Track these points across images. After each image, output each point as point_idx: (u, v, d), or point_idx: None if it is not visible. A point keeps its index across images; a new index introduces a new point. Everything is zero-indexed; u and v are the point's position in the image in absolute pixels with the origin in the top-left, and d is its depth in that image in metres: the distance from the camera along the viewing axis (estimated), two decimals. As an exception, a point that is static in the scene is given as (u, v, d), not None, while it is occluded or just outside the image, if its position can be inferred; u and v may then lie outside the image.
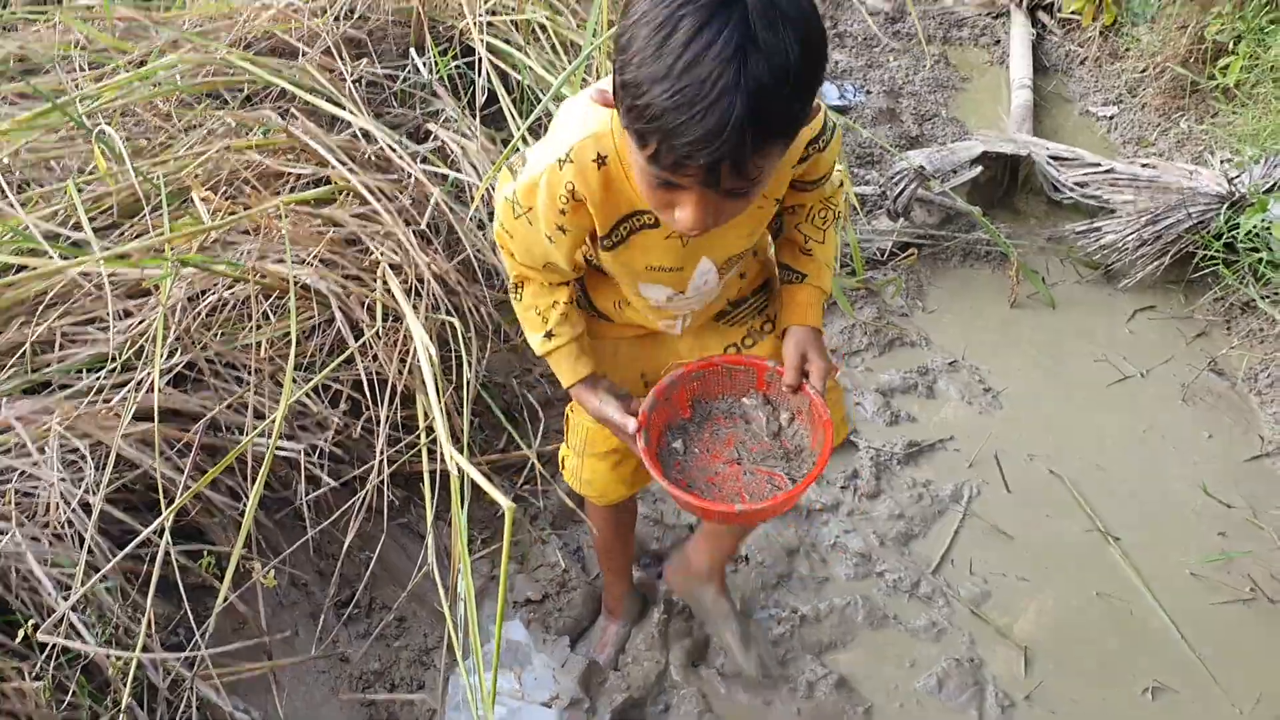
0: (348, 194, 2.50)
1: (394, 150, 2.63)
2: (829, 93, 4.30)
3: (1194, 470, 2.76)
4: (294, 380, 2.07)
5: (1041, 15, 4.85)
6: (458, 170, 2.83)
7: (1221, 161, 3.57)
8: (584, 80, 2.86)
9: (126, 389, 2.02)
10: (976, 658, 2.31)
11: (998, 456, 2.77)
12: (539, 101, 3.16)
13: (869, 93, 4.35)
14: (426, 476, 2.06)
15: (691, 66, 1.06)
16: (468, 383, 2.18)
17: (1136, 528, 2.60)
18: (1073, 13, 4.49)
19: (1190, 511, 2.65)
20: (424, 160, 2.79)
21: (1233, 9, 3.90)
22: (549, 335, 1.61)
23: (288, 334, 2.11)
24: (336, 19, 3.08)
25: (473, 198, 2.66)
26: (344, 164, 2.49)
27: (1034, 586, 2.47)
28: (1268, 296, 3.12)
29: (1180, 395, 3.01)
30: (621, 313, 1.71)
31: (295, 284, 2.12)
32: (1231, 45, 3.90)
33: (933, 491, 2.68)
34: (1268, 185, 3.22)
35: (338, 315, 2.18)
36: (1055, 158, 3.71)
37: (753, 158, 1.13)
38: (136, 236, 2.26)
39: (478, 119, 2.97)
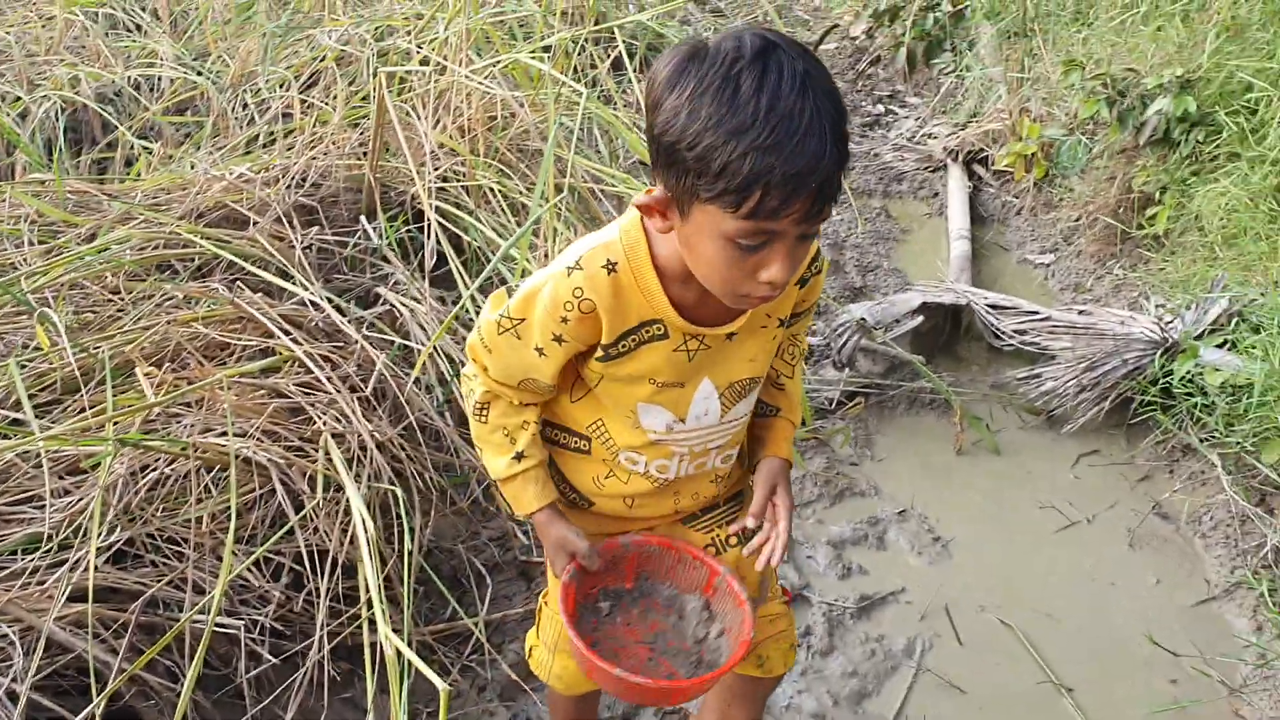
0: (293, 363, 2.53)
1: (340, 317, 2.67)
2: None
3: (1143, 617, 2.77)
4: (235, 554, 2.06)
5: (977, 168, 5.04)
6: (406, 334, 2.88)
7: (1156, 306, 3.69)
8: (532, 241, 2.94)
9: (62, 569, 2.00)
10: (933, 822, 2.27)
11: (948, 608, 2.77)
12: (489, 262, 3.24)
13: (814, 245, 4.47)
14: (368, 650, 2.04)
15: (774, 106, 1.17)
16: (409, 553, 2.17)
17: (1088, 678, 2.59)
18: (1006, 166, 4.68)
19: (1141, 659, 2.65)
20: (371, 325, 2.84)
21: (1156, 161, 4.08)
22: (519, 456, 1.56)
23: (229, 507, 2.11)
24: (289, 187, 3.17)
25: (421, 360, 2.69)
26: (289, 333, 2.52)
27: (989, 743, 2.45)
28: (1205, 440, 3.19)
29: (1127, 540, 3.04)
30: (601, 489, 1.64)
31: (236, 458, 2.13)
32: (1158, 195, 4.07)
33: (885, 646, 2.67)
34: (1198, 331, 3.33)
35: (279, 488, 2.18)
36: (994, 306, 3.81)
37: (838, 182, 1.25)
38: (79, 412, 2.26)
39: (427, 281, 3.03)
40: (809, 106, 1.18)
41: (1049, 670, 2.61)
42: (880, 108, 5.89)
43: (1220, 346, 3.25)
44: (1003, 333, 3.73)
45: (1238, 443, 3.04)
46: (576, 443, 1.62)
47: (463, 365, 1.63)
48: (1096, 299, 4.12)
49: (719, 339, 1.48)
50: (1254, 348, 3.07)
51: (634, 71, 3.40)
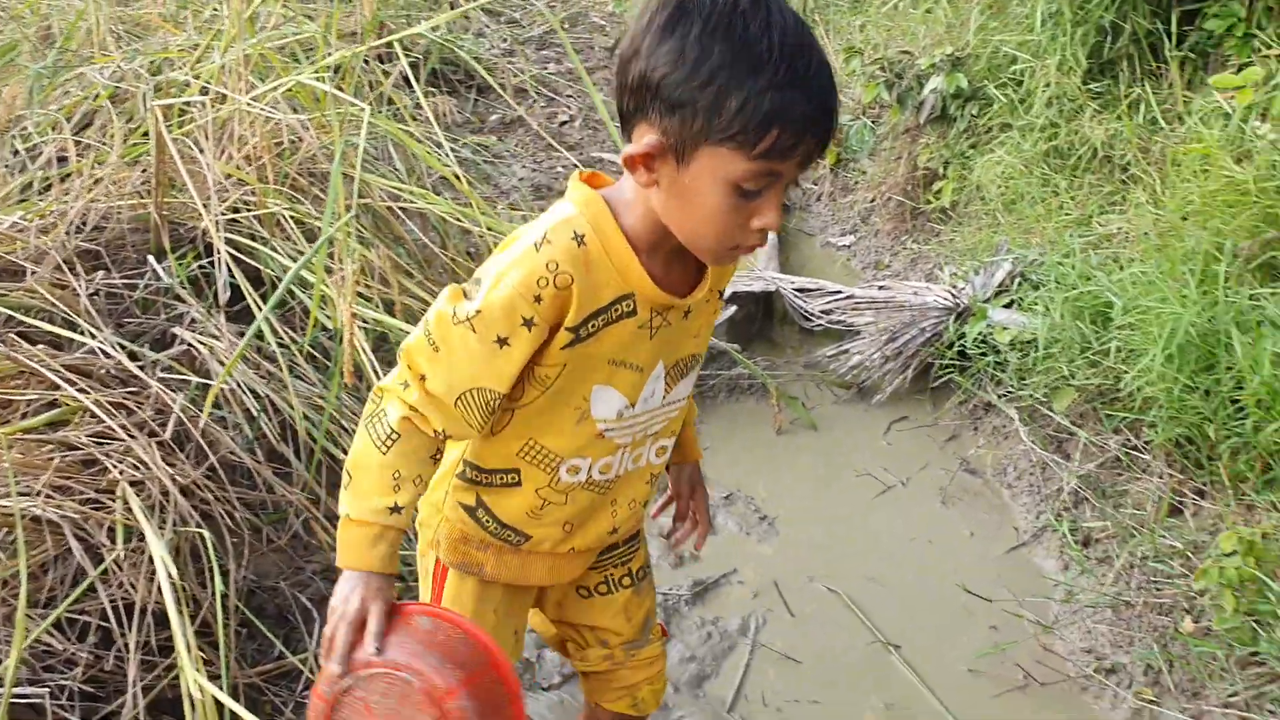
0: (83, 413, 2.41)
1: (132, 362, 2.57)
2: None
3: (959, 569, 2.91)
4: (32, 618, 1.95)
5: (776, 157, 5.19)
6: (209, 373, 2.78)
7: (950, 275, 3.87)
8: (329, 265, 2.88)
9: None
10: (778, 791, 2.33)
11: (777, 583, 2.84)
12: (288, 291, 3.17)
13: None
14: (187, 700, 1.96)
15: (784, 44, 1.17)
16: (222, 595, 2.09)
17: (913, 633, 2.71)
18: (799, 154, 4.82)
19: (960, 609, 2.78)
20: (167, 367, 2.73)
21: (937, 138, 4.29)
22: (395, 509, 1.36)
23: (19, 571, 1.99)
24: (67, 233, 3.02)
25: (212, 395, 2.61)
26: (75, 384, 2.40)
27: (825, 707, 2.52)
28: (1003, 395, 3.37)
29: (939, 498, 3.18)
30: (540, 518, 1.52)
31: (24, 517, 2.02)
32: (941, 170, 4.28)
33: (721, 628, 2.72)
34: (987, 295, 3.51)
35: (74, 544, 2.07)
36: (801, 289, 3.94)
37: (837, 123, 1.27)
38: None
39: (223, 316, 2.94)
40: (814, 43, 1.22)
41: (876, 631, 2.71)
42: (680, 107, 6.00)
43: (1008, 307, 3.44)
44: (811, 314, 3.86)
45: (1031, 395, 3.23)
46: (503, 478, 1.49)
47: (379, 376, 1.49)
48: (896, 274, 4.31)
49: (679, 315, 1.42)
50: (1036, 304, 3.26)
51: (422, 86, 3.39)
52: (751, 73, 1.16)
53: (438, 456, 1.42)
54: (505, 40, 6.63)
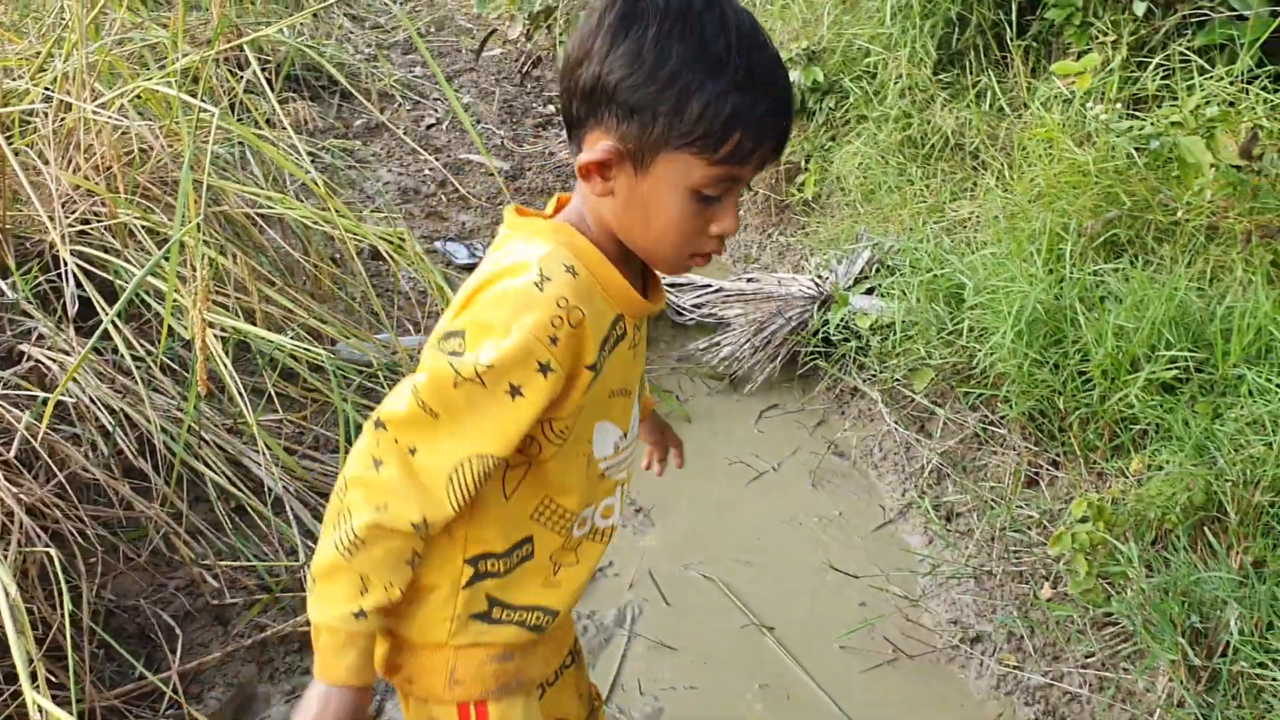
0: (-81, 436, 2.31)
1: (-28, 380, 2.47)
2: (459, 253, 4.43)
3: (830, 549, 2.97)
4: None
5: (646, 156, 5.23)
6: (52, 387, 2.69)
7: (816, 265, 3.96)
8: (181, 273, 2.80)
9: None
10: (656, 777, 2.35)
11: (652, 573, 2.86)
12: (146, 305, 3.08)
13: (496, 247, 4.50)
14: (38, 726, 1.89)
15: (741, 44, 1.14)
16: (72, 615, 2.02)
17: (786, 614, 2.76)
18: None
19: (832, 589, 2.84)
20: (15, 385, 2.63)
21: (798, 131, 4.37)
22: (360, 614, 1.19)
23: None
24: (-100, 251, 2.89)
25: (50, 407, 2.52)
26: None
27: (702, 692, 2.55)
28: (867, 379, 3.45)
29: (810, 481, 3.25)
30: (560, 586, 1.41)
31: None
32: (804, 163, 4.37)
33: (598, 621, 2.73)
34: (849, 282, 3.60)
35: (-92, 571, 1.98)
36: (673, 284, 3.98)
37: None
38: None
39: (73, 330, 2.84)
40: (770, 44, 1.18)
41: (750, 614, 2.75)
42: (551, 108, 6.01)
43: (869, 293, 3.53)
44: (683, 309, 3.90)
45: (892, 377, 3.32)
46: (518, 554, 1.35)
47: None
48: (765, 266, 4.38)
49: (644, 327, 1.38)
50: (894, 289, 3.35)
51: (278, 92, 3.32)
52: (711, 75, 1.12)
53: (414, 561, 1.23)
54: (370, 45, 6.56)
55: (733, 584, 2.85)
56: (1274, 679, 2.07)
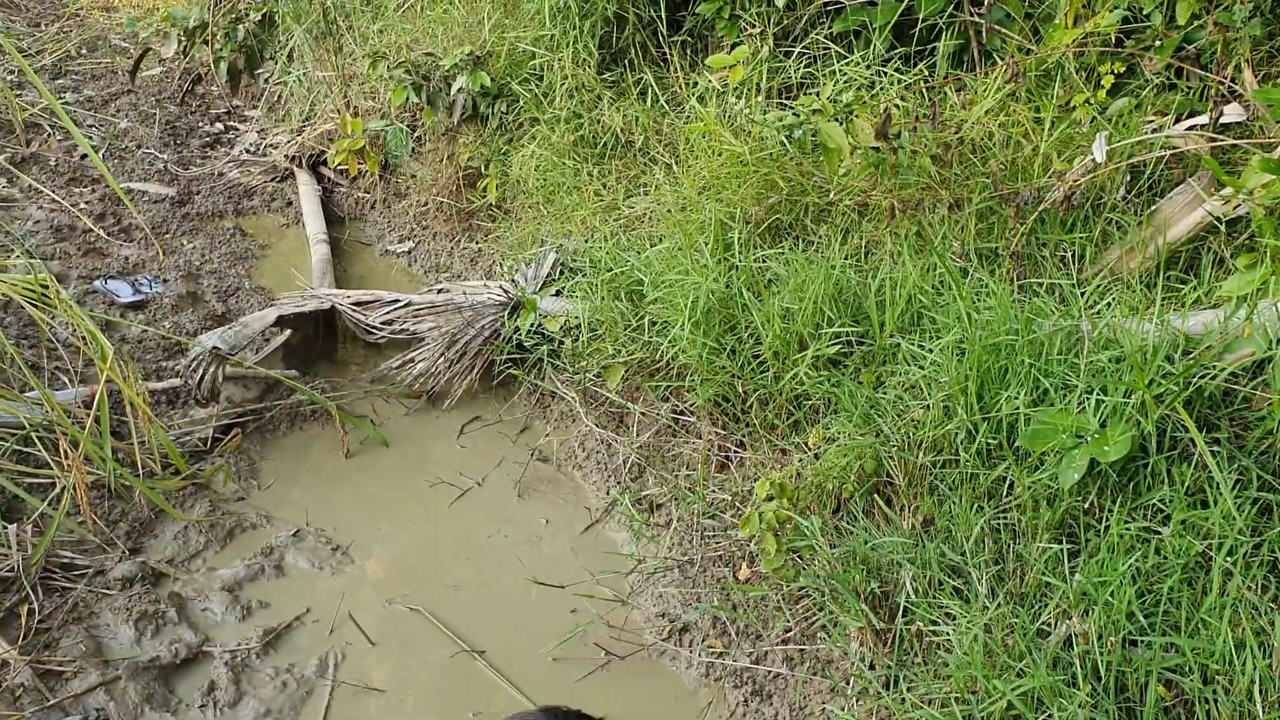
0: None
1: None
2: (122, 290, 4.08)
3: (538, 560, 2.95)
4: None
5: (324, 170, 5.03)
6: None
7: (507, 270, 3.91)
8: None
9: None
10: (369, 831, 2.24)
11: (352, 614, 2.74)
12: None
13: (166, 281, 4.20)
14: None
15: None
16: None
17: (497, 635, 2.71)
18: (341, 164, 4.69)
19: (542, 602, 2.81)
20: None
21: (474, 136, 4.32)
22: None
23: None
24: None
25: None
26: None
27: (415, 731, 2.47)
28: (563, 381, 3.45)
29: (515, 491, 3.21)
30: None
31: None
32: (483, 168, 4.31)
33: (297, 673, 2.58)
34: (536, 286, 3.57)
35: None
36: (358, 303, 3.83)
37: None
38: None
39: None
40: None
41: (459, 640, 2.68)
42: (219, 126, 5.67)
43: (557, 295, 3.52)
44: (372, 327, 3.76)
45: (586, 376, 3.32)
46: None
47: None
48: (458, 274, 4.30)
49: None
50: (578, 291, 3.36)
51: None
52: None
53: None
54: (13, 72, 5.98)
55: (440, 612, 2.77)
56: (946, 635, 2.20)
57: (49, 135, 5.33)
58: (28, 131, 5.33)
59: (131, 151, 5.25)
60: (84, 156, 5.16)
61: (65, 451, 2.82)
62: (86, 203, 4.64)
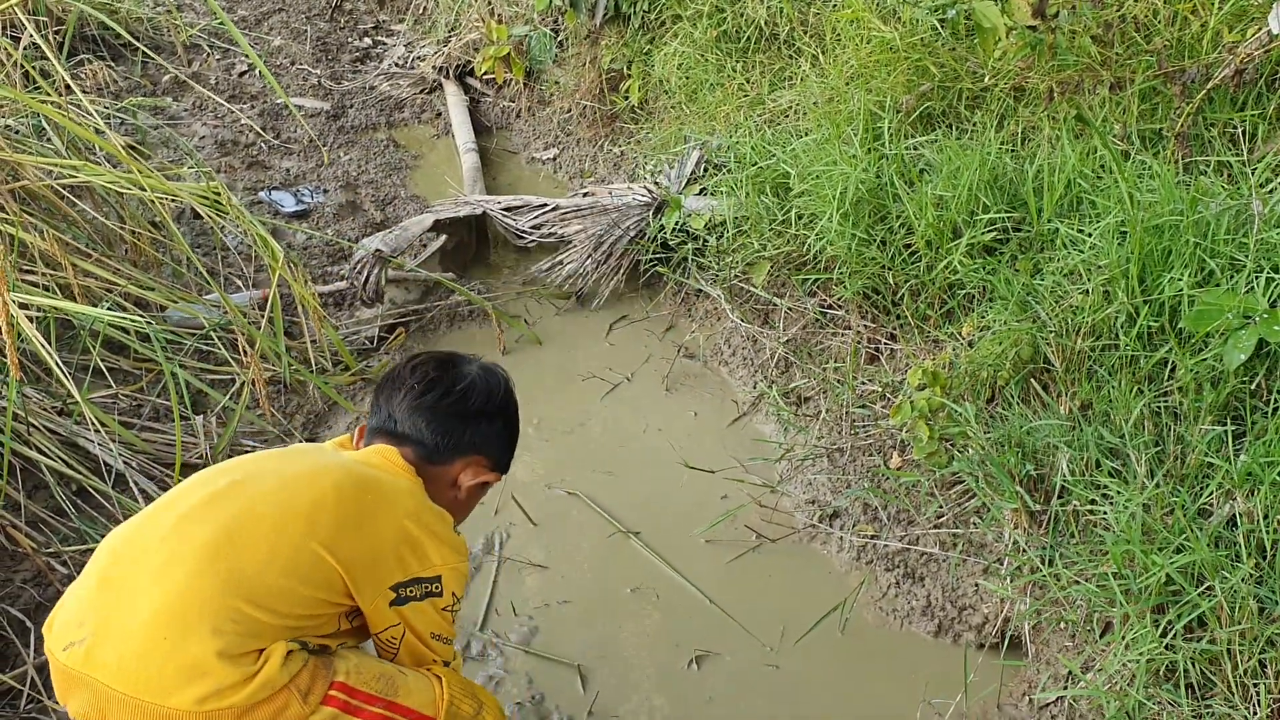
0: None
1: None
2: (286, 201, 4.29)
3: (688, 449, 3.02)
4: None
5: (471, 80, 5.13)
6: None
7: (650, 172, 3.95)
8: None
9: None
10: (537, 694, 2.37)
11: (515, 497, 2.87)
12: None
13: (326, 191, 4.38)
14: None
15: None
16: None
17: (651, 518, 2.80)
18: (487, 73, 4.77)
19: (692, 488, 2.89)
20: None
21: (616, 38, 4.33)
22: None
23: None
24: None
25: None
26: None
27: (575, 605, 2.58)
28: (709, 279, 3.49)
29: (664, 386, 3.28)
30: None
31: None
32: (626, 70, 4.33)
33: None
34: (681, 185, 3.61)
35: None
36: (508, 209, 3.93)
37: None
38: None
39: None
40: None
41: (615, 522, 2.79)
42: (368, 40, 5.82)
43: (702, 194, 3.55)
44: (522, 231, 3.86)
45: (731, 273, 3.35)
46: None
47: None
48: (601, 179, 4.35)
49: None
50: (723, 187, 3.37)
51: (64, 55, 3.12)
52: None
53: None
54: (171, -3, 6.24)
55: (596, 496, 2.88)
56: (1104, 513, 2.19)
57: (208, 55, 5.56)
58: (189, 52, 5.57)
59: (286, 68, 5.44)
60: (242, 74, 5.38)
61: (243, 350, 3.01)
62: (247, 119, 4.84)
